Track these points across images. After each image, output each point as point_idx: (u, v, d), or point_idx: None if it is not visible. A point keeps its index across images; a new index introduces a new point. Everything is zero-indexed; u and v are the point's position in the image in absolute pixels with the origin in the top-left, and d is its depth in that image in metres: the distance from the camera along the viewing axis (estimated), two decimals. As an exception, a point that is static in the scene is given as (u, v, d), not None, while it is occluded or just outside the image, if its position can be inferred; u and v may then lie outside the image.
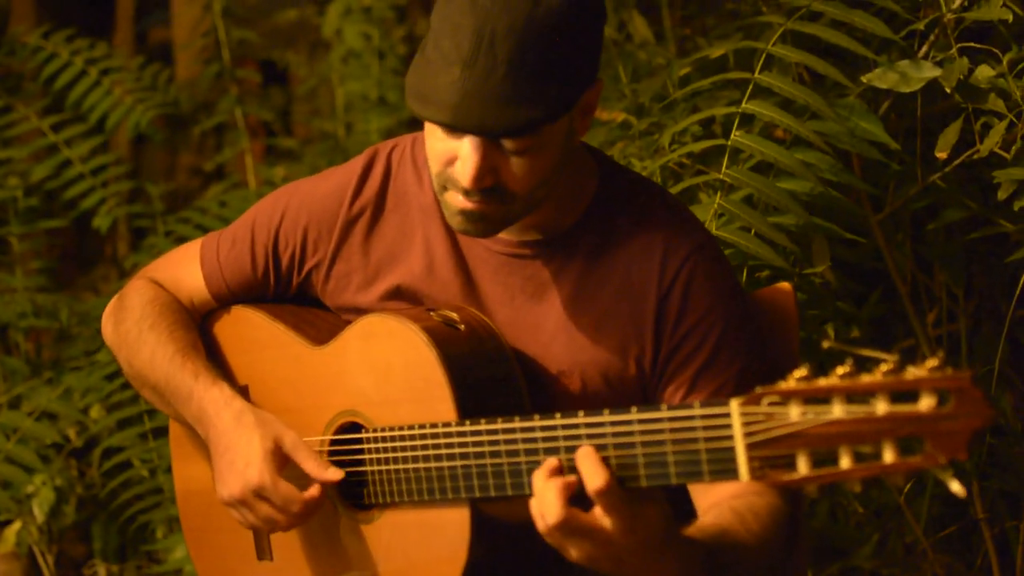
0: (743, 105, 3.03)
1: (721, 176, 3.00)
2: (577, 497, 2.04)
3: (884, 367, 1.82)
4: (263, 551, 2.54)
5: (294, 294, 2.56)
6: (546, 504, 2.02)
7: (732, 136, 3.02)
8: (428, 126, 2.26)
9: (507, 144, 2.20)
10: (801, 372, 1.87)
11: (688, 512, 2.29)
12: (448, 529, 2.28)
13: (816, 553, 3.61)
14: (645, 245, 2.35)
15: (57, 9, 5.75)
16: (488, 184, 2.22)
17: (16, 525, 4.15)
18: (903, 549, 3.54)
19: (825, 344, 2.47)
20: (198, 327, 2.60)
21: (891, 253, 3.32)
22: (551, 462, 2.07)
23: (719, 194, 3.01)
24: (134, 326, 2.58)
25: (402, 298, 2.44)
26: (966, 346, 3.51)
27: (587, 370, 2.35)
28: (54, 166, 4.69)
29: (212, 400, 2.46)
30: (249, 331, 2.56)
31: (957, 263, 3.45)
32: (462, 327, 2.35)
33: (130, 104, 4.82)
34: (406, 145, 2.49)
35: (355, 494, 2.40)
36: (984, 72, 2.96)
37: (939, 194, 3.24)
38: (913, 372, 1.81)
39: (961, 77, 2.95)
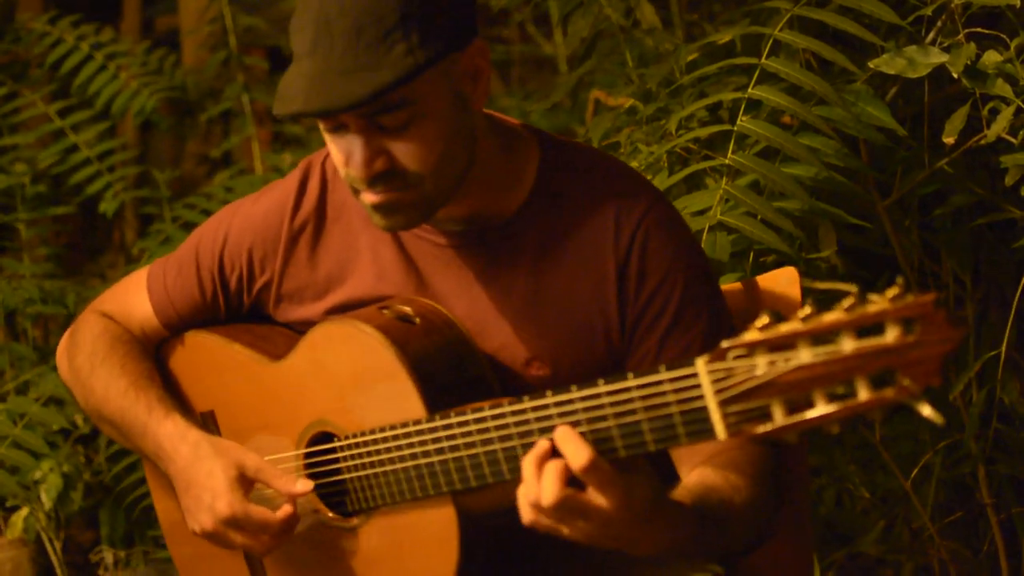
0: (750, 91, 3.02)
1: (727, 161, 3.00)
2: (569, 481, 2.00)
3: (845, 302, 1.79)
4: (256, 571, 2.50)
5: (246, 313, 2.52)
6: (543, 487, 1.97)
7: (738, 121, 3.01)
8: (324, 135, 2.24)
9: (384, 121, 2.16)
10: (763, 321, 1.83)
11: (672, 477, 2.26)
12: (435, 526, 2.24)
13: (822, 539, 3.61)
14: (596, 215, 2.31)
15: (64, -3, 5.76)
16: (381, 168, 2.18)
17: (24, 511, 4.16)
18: (909, 535, 3.54)
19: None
20: (152, 356, 2.56)
21: (898, 239, 3.32)
22: (543, 444, 2.01)
23: (725, 179, 3.00)
24: (86, 361, 2.54)
25: (357, 308, 2.39)
26: (973, 332, 3.50)
27: (557, 353, 2.31)
28: (60, 151, 4.69)
29: (167, 435, 2.42)
30: (206, 356, 2.52)
31: (964, 249, 3.45)
32: (417, 320, 2.30)
33: (136, 88, 4.82)
34: None
35: (340, 503, 2.36)
36: (991, 57, 2.95)
37: (946, 180, 3.24)
38: (875, 304, 1.77)
39: (968, 62, 2.95)
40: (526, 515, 1.99)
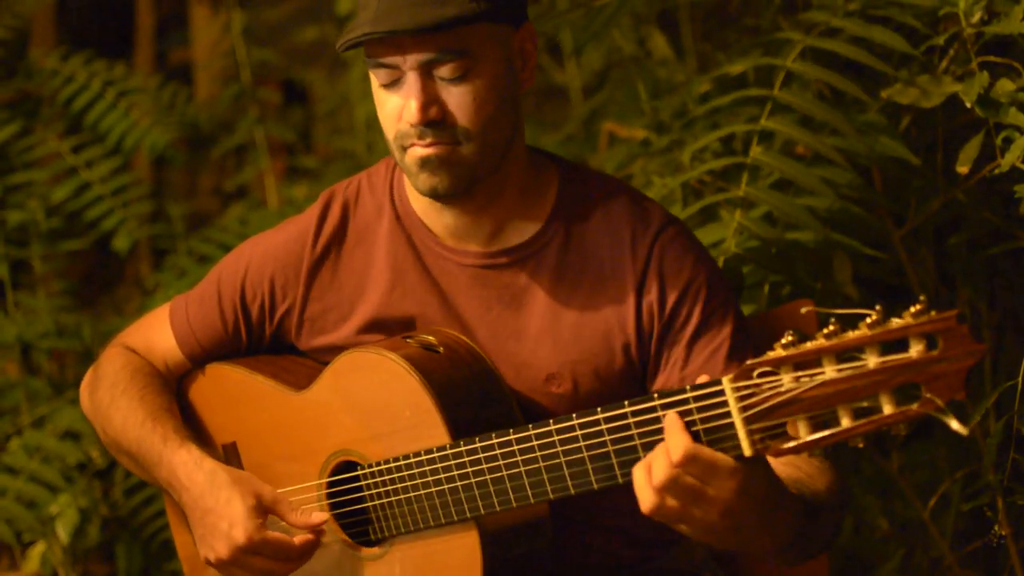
0: (762, 122, 3.02)
1: (741, 194, 3.00)
2: None
3: (868, 319, 1.83)
4: None
5: (268, 345, 2.56)
6: (672, 441, 1.98)
7: (751, 153, 3.01)
8: (377, 99, 2.31)
9: (442, 72, 2.25)
10: (787, 338, 1.88)
11: None
12: (458, 551, 2.27)
13: (841, 569, 3.60)
14: (613, 235, 2.38)
15: (77, 31, 5.77)
16: (435, 116, 2.26)
17: (40, 546, 4.16)
18: (928, 564, 3.53)
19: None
20: (173, 390, 2.59)
21: (913, 268, 3.31)
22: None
23: (739, 211, 3.00)
24: (106, 393, 2.57)
25: (380, 329, 2.44)
26: (990, 360, 3.49)
27: (577, 369, 2.36)
28: (74, 188, 4.70)
29: (181, 463, 2.44)
30: (228, 387, 2.55)
31: (979, 277, 3.44)
32: (441, 349, 2.34)
33: (147, 127, 4.82)
34: (361, 179, 2.51)
35: (362, 532, 2.38)
36: (1004, 86, 2.95)
37: (961, 209, 3.23)
38: (898, 321, 1.82)
39: (981, 91, 2.94)
40: (645, 501, 2.01)
